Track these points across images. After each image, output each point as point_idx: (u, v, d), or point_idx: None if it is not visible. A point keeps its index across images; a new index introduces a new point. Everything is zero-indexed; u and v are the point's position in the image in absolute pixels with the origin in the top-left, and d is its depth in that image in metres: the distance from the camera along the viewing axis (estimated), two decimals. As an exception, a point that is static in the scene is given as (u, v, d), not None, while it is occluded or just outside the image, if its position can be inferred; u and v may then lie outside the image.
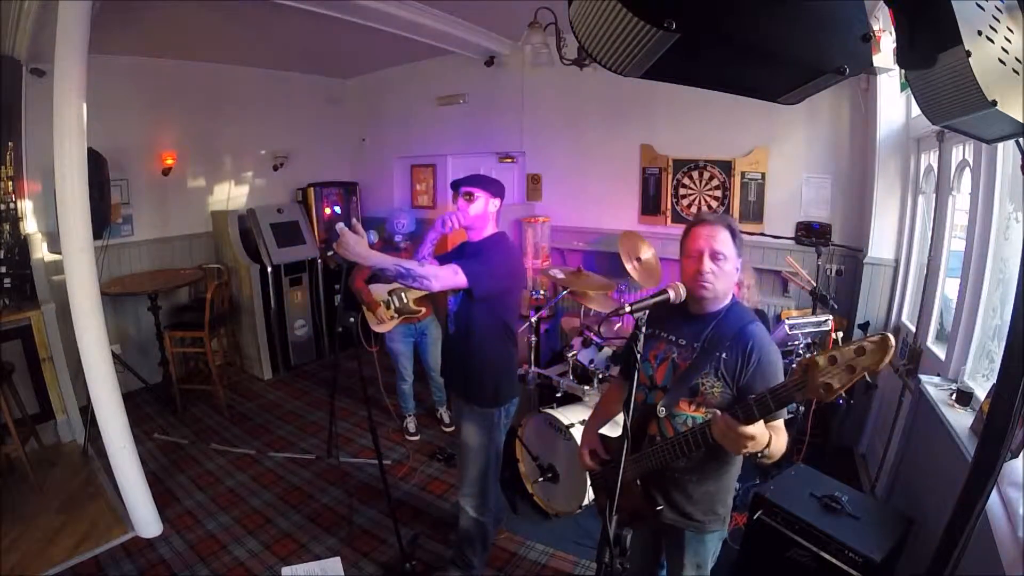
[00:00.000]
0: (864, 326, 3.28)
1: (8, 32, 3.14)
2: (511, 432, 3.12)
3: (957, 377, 2.23)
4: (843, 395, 1.20)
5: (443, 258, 2.27)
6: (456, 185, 2.22)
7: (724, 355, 1.44)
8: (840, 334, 2.97)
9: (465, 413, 2.25)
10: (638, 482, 1.58)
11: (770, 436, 1.28)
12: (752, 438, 1.23)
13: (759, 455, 1.29)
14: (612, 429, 1.83)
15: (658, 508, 1.57)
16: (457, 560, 2.41)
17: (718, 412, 1.28)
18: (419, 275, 1.92)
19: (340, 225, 1.91)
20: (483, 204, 2.18)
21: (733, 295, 1.55)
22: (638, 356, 1.35)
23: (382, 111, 5.76)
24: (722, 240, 1.45)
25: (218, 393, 4.19)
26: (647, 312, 1.36)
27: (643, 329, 1.35)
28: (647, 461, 1.52)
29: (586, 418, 2.82)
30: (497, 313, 2.16)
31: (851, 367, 1.07)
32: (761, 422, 1.24)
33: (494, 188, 2.22)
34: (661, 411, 1.50)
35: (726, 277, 1.47)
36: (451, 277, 1.98)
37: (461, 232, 2.28)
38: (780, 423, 1.38)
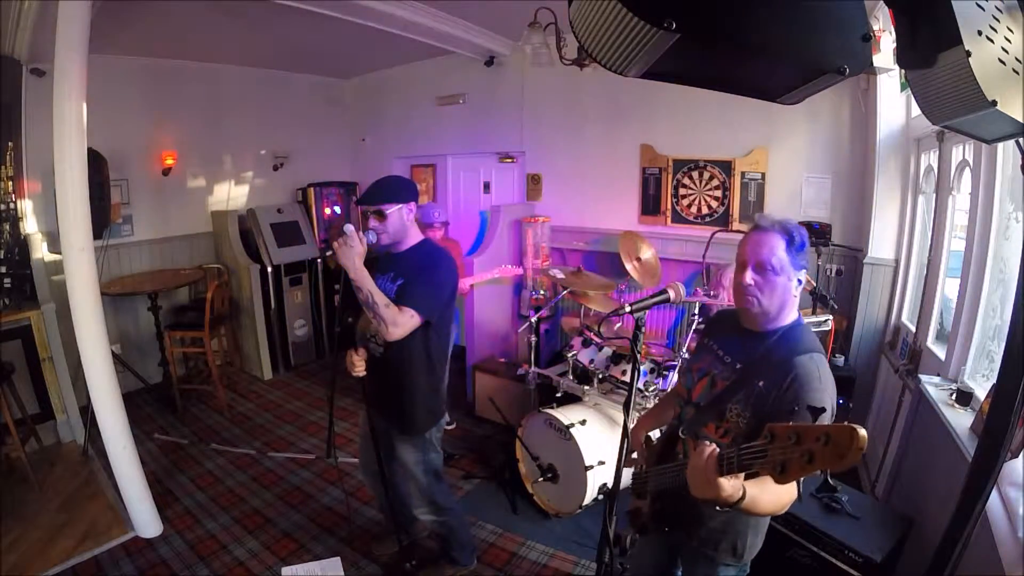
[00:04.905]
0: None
1: (8, 32, 3.13)
2: (511, 432, 3.12)
3: (957, 377, 2.23)
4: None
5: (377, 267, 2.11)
6: (364, 203, 2.01)
7: (762, 383, 1.27)
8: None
9: (396, 435, 2.18)
10: (654, 499, 1.52)
11: (743, 493, 1.06)
12: (719, 491, 1.03)
13: (717, 507, 1.09)
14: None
15: (665, 529, 1.52)
16: (445, 556, 2.48)
17: (706, 443, 1.08)
18: (380, 316, 1.84)
19: (349, 227, 1.88)
20: (398, 216, 1.98)
21: (799, 316, 1.39)
22: (637, 356, 1.34)
23: (382, 111, 5.76)
24: (770, 249, 1.30)
25: (218, 393, 4.19)
26: (705, 319, 1.33)
27: (643, 329, 1.36)
28: (663, 479, 1.43)
29: (586, 418, 2.85)
30: (432, 332, 2.01)
31: (809, 455, 0.85)
32: (737, 481, 1.04)
33: (404, 194, 2.01)
34: (683, 432, 1.41)
35: (774, 291, 1.30)
36: (408, 323, 1.88)
37: None
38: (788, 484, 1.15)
